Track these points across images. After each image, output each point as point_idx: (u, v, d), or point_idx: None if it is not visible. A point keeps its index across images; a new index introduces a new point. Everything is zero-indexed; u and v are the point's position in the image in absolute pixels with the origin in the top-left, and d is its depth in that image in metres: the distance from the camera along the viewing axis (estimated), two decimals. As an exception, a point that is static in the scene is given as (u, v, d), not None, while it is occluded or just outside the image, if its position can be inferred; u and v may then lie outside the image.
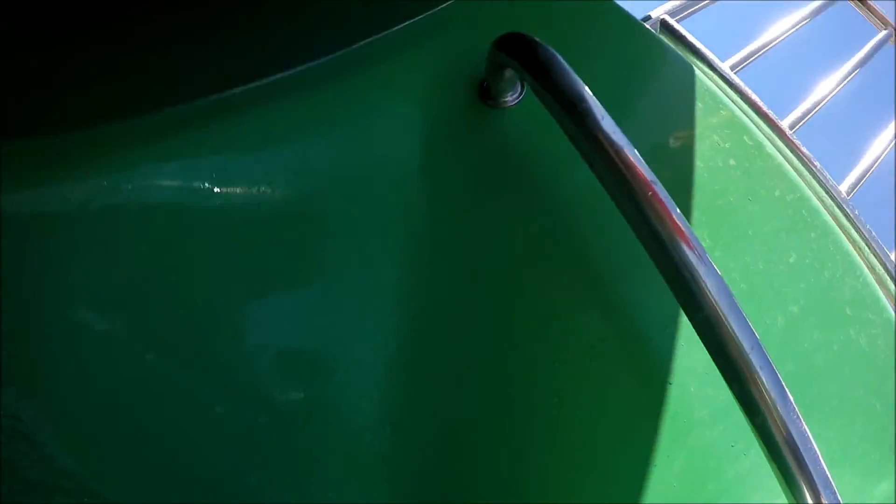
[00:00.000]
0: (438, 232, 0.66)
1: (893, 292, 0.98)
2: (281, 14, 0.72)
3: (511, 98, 0.69)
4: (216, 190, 0.61)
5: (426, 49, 0.72)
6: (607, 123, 0.55)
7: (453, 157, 0.69)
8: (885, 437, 0.79)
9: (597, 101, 0.56)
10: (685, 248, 0.51)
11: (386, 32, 0.72)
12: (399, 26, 0.73)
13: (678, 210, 0.52)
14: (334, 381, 0.63)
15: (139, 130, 0.60)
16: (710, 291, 0.51)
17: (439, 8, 0.74)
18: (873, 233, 0.96)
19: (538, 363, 0.65)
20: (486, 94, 0.70)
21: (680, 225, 0.52)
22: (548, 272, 0.67)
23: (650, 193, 0.52)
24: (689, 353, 0.67)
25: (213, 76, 0.66)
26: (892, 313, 0.84)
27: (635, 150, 0.54)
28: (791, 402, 0.53)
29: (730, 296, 0.52)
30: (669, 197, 0.53)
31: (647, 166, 0.54)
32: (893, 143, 1.11)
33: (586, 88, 0.57)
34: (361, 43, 0.71)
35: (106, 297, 0.57)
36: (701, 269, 0.51)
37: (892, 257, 0.98)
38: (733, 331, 0.51)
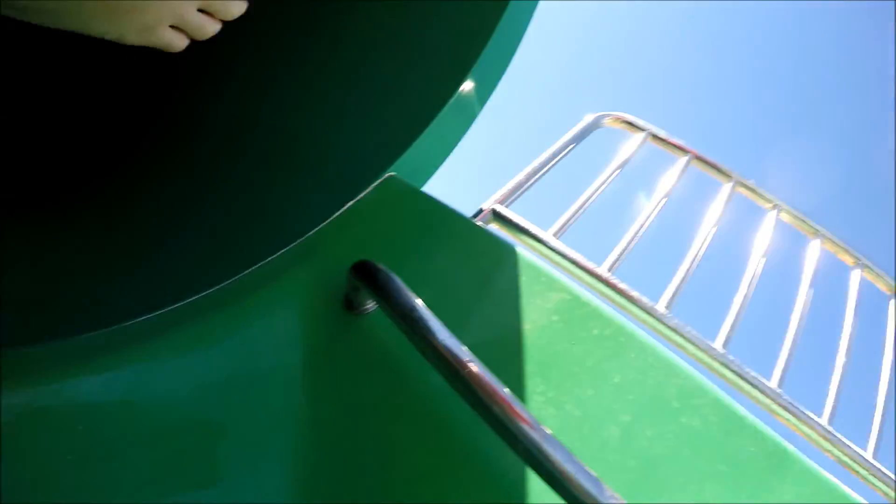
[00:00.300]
0: (321, 429, 0.84)
1: (721, 371, 1.20)
2: (177, 254, 0.95)
3: (370, 305, 0.90)
4: (129, 405, 0.79)
5: (298, 273, 0.94)
6: (434, 325, 0.76)
7: (329, 361, 0.88)
8: (738, 491, 0.94)
9: (426, 309, 0.78)
10: (503, 405, 0.71)
11: (263, 262, 0.95)
12: (273, 256, 0.95)
13: (493, 376, 0.73)
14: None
15: (62, 352, 0.80)
16: (523, 429, 0.70)
17: (304, 238, 0.97)
18: (693, 331, 1.20)
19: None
20: (350, 304, 0.91)
21: (495, 387, 0.72)
22: (417, 442, 0.84)
23: (466, 371, 0.72)
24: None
25: (128, 304, 0.87)
26: (719, 392, 1.03)
27: (455, 340, 0.75)
28: (609, 492, 0.70)
29: (541, 428, 0.71)
30: (485, 367, 0.73)
31: (463, 349, 0.74)
32: (698, 252, 1.38)
33: (417, 300, 0.79)
34: (244, 273, 0.93)
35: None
36: (512, 413, 0.71)
37: (716, 345, 1.21)
38: (547, 451, 0.70)
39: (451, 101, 1.09)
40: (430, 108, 1.07)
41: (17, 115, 1.44)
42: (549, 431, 0.72)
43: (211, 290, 0.91)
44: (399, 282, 0.81)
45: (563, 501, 0.71)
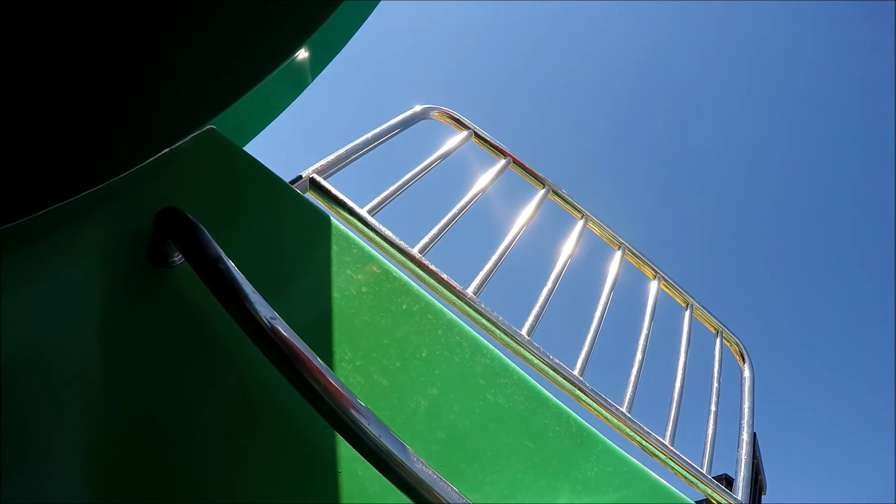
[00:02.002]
0: (122, 380, 0.78)
1: (526, 356, 1.24)
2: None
3: (177, 258, 0.85)
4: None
5: (101, 219, 0.86)
6: (239, 278, 0.73)
7: (128, 315, 0.82)
8: (545, 465, 1.00)
9: (233, 266, 0.74)
10: (304, 361, 0.69)
11: (59, 204, 0.84)
12: (73, 198, 0.86)
13: (296, 335, 0.71)
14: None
15: None
16: (327, 388, 0.69)
17: (109, 182, 0.88)
18: (501, 317, 1.24)
19: (222, 482, 0.78)
20: (155, 257, 0.85)
21: (296, 345, 0.70)
22: (221, 403, 0.81)
23: (271, 327, 0.69)
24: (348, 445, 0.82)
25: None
26: (524, 374, 1.07)
27: (260, 297, 0.72)
28: (413, 455, 0.70)
29: (345, 388, 0.70)
30: (288, 326, 0.71)
31: (268, 306, 0.72)
32: (509, 245, 1.43)
33: (224, 256, 0.75)
34: (40, 213, 0.83)
35: None
36: (317, 374, 0.69)
37: (523, 332, 1.26)
38: (352, 414, 0.69)
39: (284, 65, 1.06)
40: (261, 68, 1.03)
41: None
42: (359, 400, 0.71)
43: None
44: (207, 235, 0.77)
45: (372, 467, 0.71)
